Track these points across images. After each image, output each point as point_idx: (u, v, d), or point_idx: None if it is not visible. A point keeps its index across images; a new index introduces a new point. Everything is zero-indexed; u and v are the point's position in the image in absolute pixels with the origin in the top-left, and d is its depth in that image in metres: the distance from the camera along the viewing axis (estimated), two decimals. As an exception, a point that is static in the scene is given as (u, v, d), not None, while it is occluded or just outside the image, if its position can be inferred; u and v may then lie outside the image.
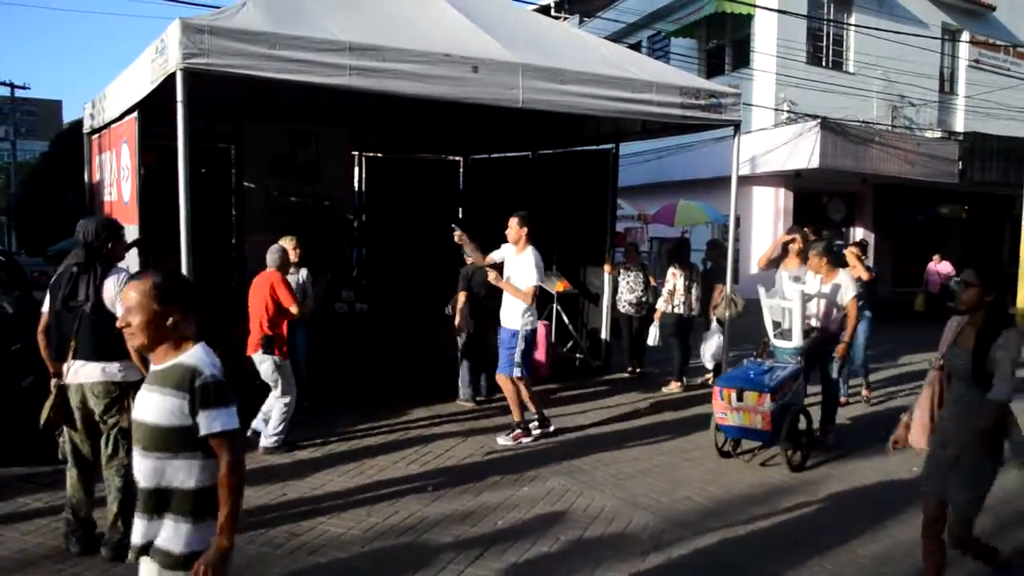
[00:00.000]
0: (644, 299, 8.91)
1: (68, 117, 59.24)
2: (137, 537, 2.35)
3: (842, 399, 7.59)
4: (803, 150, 15.09)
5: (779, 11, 16.63)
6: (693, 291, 8.43)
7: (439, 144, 10.88)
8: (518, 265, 6.26)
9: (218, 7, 5.89)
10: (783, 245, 7.06)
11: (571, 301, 9.45)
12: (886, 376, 9.16)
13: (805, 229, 7.32)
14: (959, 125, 19.77)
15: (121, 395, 3.91)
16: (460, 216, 10.89)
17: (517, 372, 6.20)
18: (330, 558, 4.09)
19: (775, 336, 6.29)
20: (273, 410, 5.81)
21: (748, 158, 15.36)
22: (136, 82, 5.96)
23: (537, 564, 4.09)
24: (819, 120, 15.14)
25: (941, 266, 15.72)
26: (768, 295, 6.45)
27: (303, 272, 6.99)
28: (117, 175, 6.65)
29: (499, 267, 6.50)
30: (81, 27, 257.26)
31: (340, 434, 6.32)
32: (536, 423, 6.43)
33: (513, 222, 6.29)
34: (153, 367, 2.40)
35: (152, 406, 2.32)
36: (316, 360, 7.10)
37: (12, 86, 37.24)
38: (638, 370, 9.13)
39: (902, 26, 17.54)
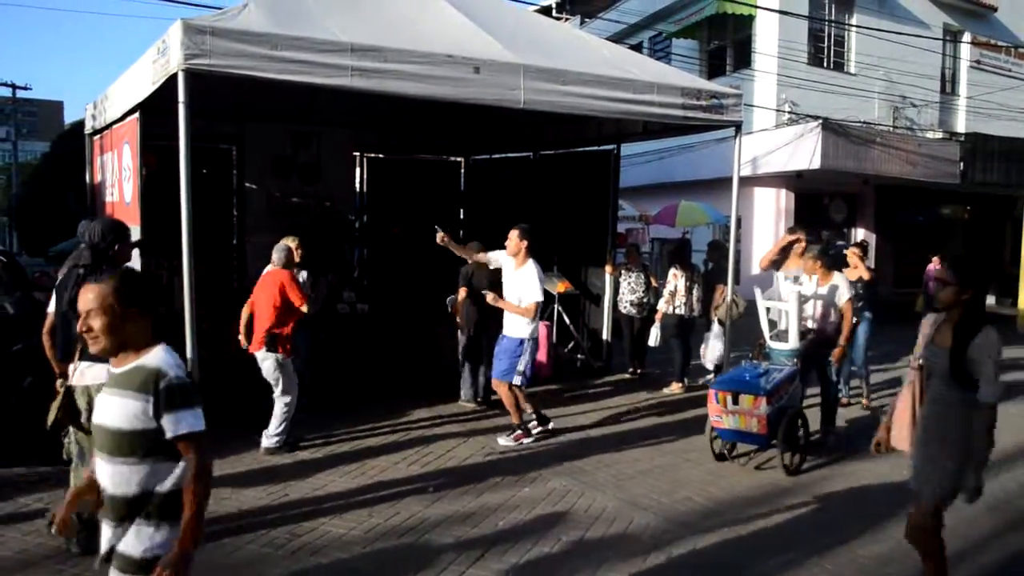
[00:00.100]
0: (645, 300, 8.91)
1: (69, 118, 59.38)
2: (104, 543, 2.31)
3: (843, 399, 7.58)
4: (804, 151, 15.06)
5: (780, 12, 16.59)
6: (694, 292, 8.43)
7: (440, 145, 10.87)
8: (518, 280, 6.15)
9: (219, 8, 5.90)
10: (786, 246, 6.91)
11: (572, 302, 9.46)
12: (886, 377, 9.14)
13: (799, 233, 7.22)
14: (960, 126, 19.74)
15: None
16: (461, 216, 10.92)
17: (518, 380, 6.15)
18: (332, 559, 4.10)
19: (771, 338, 6.23)
20: (274, 409, 5.82)
21: (749, 159, 15.34)
22: (138, 83, 5.96)
23: (538, 565, 4.10)
24: (820, 121, 15.10)
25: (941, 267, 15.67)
26: (764, 296, 6.40)
27: (303, 274, 6.98)
28: (119, 176, 6.65)
29: (499, 272, 6.47)
30: (83, 28, 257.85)
31: (342, 434, 6.32)
32: (535, 422, 6.43)
33: (513, 235, 6.17)
34: (112, 370, 2.34)
35: (114, 409, 2.27)
36: (317, 360, 7.10)
37: (14, 87, 37.18)
38: (639, 371, 9.13)
39: (903, 27, 17.52)
